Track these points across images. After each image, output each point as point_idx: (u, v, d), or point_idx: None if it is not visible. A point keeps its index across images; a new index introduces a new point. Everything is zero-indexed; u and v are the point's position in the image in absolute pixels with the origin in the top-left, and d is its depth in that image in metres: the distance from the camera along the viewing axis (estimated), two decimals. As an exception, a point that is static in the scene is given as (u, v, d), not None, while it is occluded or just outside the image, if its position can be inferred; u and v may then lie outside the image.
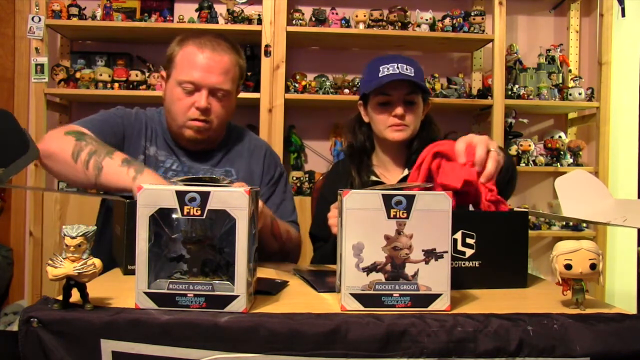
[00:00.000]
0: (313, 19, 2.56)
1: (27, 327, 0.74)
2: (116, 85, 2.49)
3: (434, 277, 0.82)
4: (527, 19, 2.94)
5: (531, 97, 2.65)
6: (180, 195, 0.79)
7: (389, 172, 1.60)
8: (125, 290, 0.88)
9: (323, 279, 1.05)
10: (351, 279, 0.82)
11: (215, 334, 0.74)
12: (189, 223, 0.85)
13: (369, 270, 0.82)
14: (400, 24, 2.57)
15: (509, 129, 2.69)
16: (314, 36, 2.63)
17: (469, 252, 0.99)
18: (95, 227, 0.78)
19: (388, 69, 1.50)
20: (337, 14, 2.58)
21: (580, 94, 2.65)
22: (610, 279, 2.80)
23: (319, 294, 0.95)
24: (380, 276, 0.82)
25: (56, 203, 2.44)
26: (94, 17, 2.48)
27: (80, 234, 0.76)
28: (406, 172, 1.55)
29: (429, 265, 0.82)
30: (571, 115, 2.93)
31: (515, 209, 1.19)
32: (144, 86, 2.51)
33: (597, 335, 0.77)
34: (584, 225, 2.69)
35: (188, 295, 0.79)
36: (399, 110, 1.50)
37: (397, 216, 0.81)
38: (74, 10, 2.45)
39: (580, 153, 2.76)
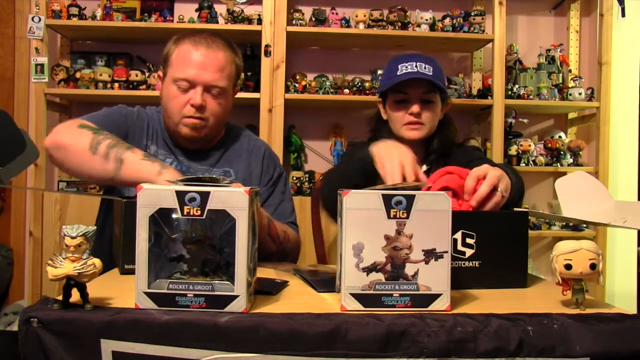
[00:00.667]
0: (313, 19, 2.56)
1: (27, 327, 0.74)
2: (116, 85, 2.49)
3: (434, 277, 0.82)
4: (527, 19, 2.93)
5: (531, 97, 2.65)
6: (180, 195, 0.79)
7: None
8: (125, 290, 0.88)
9: (323, 279, 1.05)
10: (351, 279, 0.82)
11: (215, 334, 0.74)
12: (188, 223, 0.85)
13: (369, 270, 0.82)
14: (400, 24, 2.57)
15: (509, 129, 2.69)
16: (314, 36, 2.62)
17: (469, 252, 1.00)
18: (95, 227, 0.78)
19: (406, 67, 1.50)
20: (337, 14, 2.58)
21: (580, 94, 2.65)
22: (610, 279, 2.80)
23: (319, 294, 0.95)
24: (380, 276, 0.82)
25: (56, 203, 2.44)
26: (94, 17, 2.48)
27: (80, 234, 0.76)
28: (424, 167, 1.56)
29: (429, 265, 0.82)
30: (571, 115, 2.93)
31: (515, 209, 1.19)
32: (144, 86, 2.50)
33: (597, 335, 0.77)
34: (584, 225, 2.69)
35: (188, 295, 0.79)
36: (415, 109, 1.50)
37: (397, 216, 0.81)
38: (74, 10, 2.44)
39: (580, 153, 2.76)
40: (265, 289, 0.94)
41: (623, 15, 2.74)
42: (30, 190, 2.67)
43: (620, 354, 0.76)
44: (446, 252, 0.82)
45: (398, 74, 1.50)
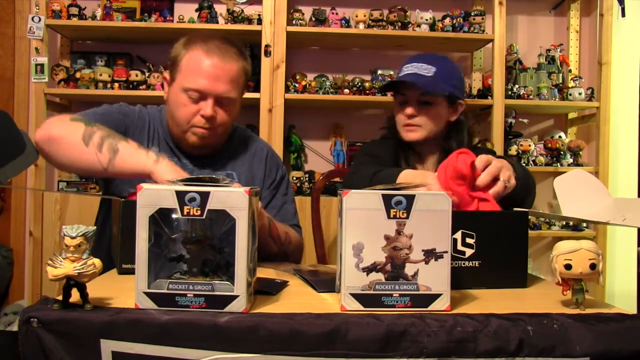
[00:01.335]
0: (313, 19, 2.56)
1: (27, 327, 0.74)
2: (116, 85, 2.49)
3: (434, 277, 0.82)
4: (527, 19, 2.93)
5: (531, 97, 2.64)
6: (180, 195, 0.79)
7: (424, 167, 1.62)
8: (125, 290, 0.88)
9: (323, 279, 1.05)
10: (351, 279, 0.82)
11: (215, 334, 0.74)
12: (188, 223, 0.85)
13: (368, 270, 0.82)
14: (400, 24, 2.57)
15: (509, 129, 2.69)
16: (314, 36, 2.62)
17: (468, 252, 0.99)
18: (95, 227, 0.78)
19: (408, 68, 1.51)
20: (337, 14, 2.58)
21: (580, 94, 2.65)
22: (610, 279, 2.80)
23: (318, 294, 0.95)
24: (380, 276, 0.82)
25: (56, 203, 2.44)
26: (94, 17, 2.48)
27: (80, 234, 0.76)
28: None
29: (428, 265, 0.82)
30: (571, 115, 2.93)
31: (515, 209, 1.19)
32: (144, 86, 2.50)
33: (597, 335, 0.77)
34: (584, 225, 2.69)
35: (188, 295, 0.79)
36: (408, 110, 1.51)
37: (397, 216, 0.81)
38: (74, 10, 2.44)
39: (580, 153, 2.76)
40: (265, 289, 0.94)
41: (623, 15, 2.74)
42: (30, 190, 2.67)
43: (620, 354, 0.76)
44: (446, 252, 0.82)
45: (400, 74, 1.50)
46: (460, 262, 0.99)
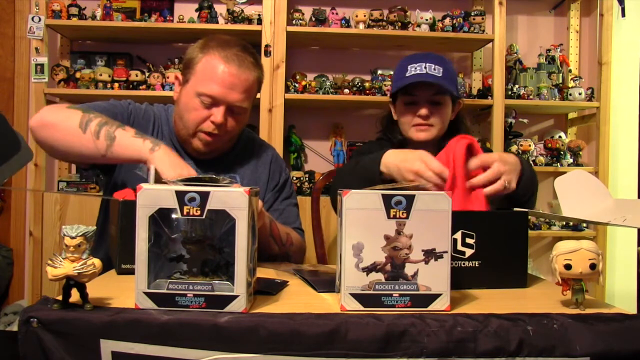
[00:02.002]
0: (313, 19, 2.56)
1: (27, 327, 0.74)
2: (116, 85, 2.49)
3: (434, 277, 0.82)
4: (527, 19, 2.93)
5: (531, 97, 2.64)
6: (180, 195, 0.79)
7: None
8: (124, 290, 0.88)
9: (323, 279, 1.05)
10: (351, 279, 0.82)
11: (215, 334, 0.74)
12: (188, 223, 0.85)
13: (368, 270, 0.82)
14: (400, 24, 2.57)
15: (509, 129, 2.69)
16: (314, 36, 2.62)
17: (468, 252, 0.99)
18: (95, 227, 0.78)
19: (415, 68, 1.49)
20: (337, 14, 2.58)
21: (580, 94, 2.65)
22: (610, 279, 2.80)
23: (318, 294, 0.95)
24: (380, 276, 0.82)
25: (56, 203, 2.44)
26: (94, 17, 2.48)
27: (80, 234, 0.76)
28: None
29: (428, 265, 0.82)
30: (571, 115, 2.93)
31: (515, 209, 1.19)
32: (144, 86, 2.50)
33: (597, 335, 0.77)
34: (584, 225, 2.69)
35: (188, 295, 0.79)
36: (423, 111, 1.50)
37: (397, 216, 0.81)
38: (74, 10, 2.44)
39: (580, 153, 2.76)
40: (265, 289, 0.94)
41: (623, 15, 2.74)
42: (29, 191, 2.67)
43: (620, 354, 0.76)
44: (446, 252, 0.82)
45: (407, 75, 1.49)
46: (460, 262, 0.99)
